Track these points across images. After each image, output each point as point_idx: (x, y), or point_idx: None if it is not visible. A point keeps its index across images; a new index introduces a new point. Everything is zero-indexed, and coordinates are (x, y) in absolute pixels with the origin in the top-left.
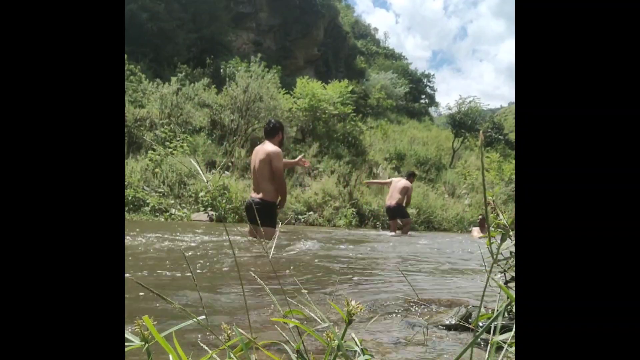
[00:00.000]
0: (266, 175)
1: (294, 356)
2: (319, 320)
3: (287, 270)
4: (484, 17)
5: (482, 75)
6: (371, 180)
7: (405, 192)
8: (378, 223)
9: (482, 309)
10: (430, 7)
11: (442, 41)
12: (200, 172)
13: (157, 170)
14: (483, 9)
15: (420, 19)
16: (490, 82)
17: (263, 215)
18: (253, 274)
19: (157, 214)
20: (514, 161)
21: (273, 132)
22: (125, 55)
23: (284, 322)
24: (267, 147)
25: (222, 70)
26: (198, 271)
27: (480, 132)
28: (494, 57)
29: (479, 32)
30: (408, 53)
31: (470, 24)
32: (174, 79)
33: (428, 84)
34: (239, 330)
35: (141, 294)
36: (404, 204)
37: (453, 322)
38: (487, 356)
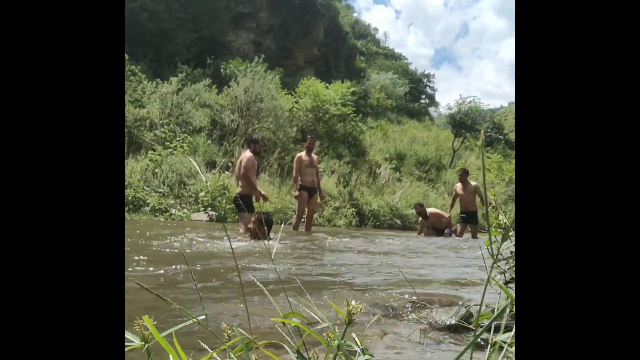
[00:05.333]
0: (241, 174)
1: (294, 356)
2: (319, 320)
3: (288, 272)
4: (486, 15)
5: (483, 73)
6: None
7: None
8: (378, 223)
9: (482, 309)
10: (432, 4)
11: (444, 39)
12: (200, 171)
13: (157, 170)
14: (485, 6)
15: (422, 16)
16: (491, 81)
17: (240, 204)
18: (252, 277)
19: (157, 214)
20: (514, 161)
21: (248, 142)
22: (127, 56)
23: (285, 322)
24: (245, 153)
25: (222, 71)
26: (198, 270)
27: (482, 131)
28: (495, 55)
29: (481, 30)
30: (409, 50)
31: (473, 21)
32: (174, 79)
33: (428, 83)
34: (239, 330)
35: (141, 294)
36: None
37: (453, 322)
38: (487, 356)
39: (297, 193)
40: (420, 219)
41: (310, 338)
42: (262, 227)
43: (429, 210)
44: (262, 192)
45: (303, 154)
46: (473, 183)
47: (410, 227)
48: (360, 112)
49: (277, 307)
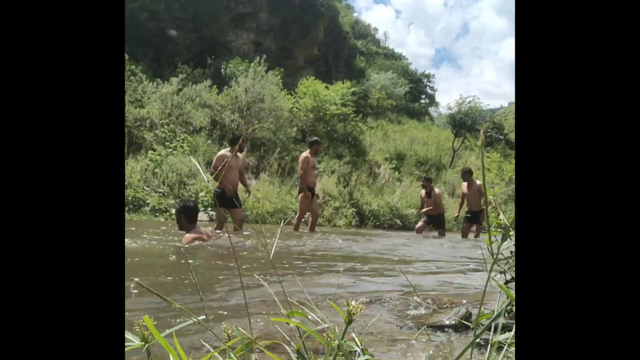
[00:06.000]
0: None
1: (294, 356)
2: (319, 320)
3: (287, 272)
4: (486, 14)
5: (483, 73)
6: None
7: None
8: (378, 223)
9: (482, 309)
10: (432, 3)
11: (444, 38)
12: (201, 171)
13: (157, 170)
14: (485, 5)
15: (422, 15)
16: (491, 80)
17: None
18: (257, 276)
19: (157, 214)
20: (514, 161)
21: (231, 142)
22: (127, 56)
23: (285, 322)
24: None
25: (222, 71)
26: (198, 269)
27: (482, 131)
28: (495, 54)
29: (481, 30)
30: (410, 50)
31: (473, 21)
32: (174, 79)
33: (428, 83)
34: (239, 330)
35: (141, 294)
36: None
37: (453, 322)
38: (487, 356)
39: (308, 194)
40: (422, 193)
41: (310, 339)
42: (180, 218)
43: (437, 190)
44: (229, 186)
45: (309, 155)
46: (478, 182)
47: (410, 227)
48: (360, 112)
49: (276, 309)
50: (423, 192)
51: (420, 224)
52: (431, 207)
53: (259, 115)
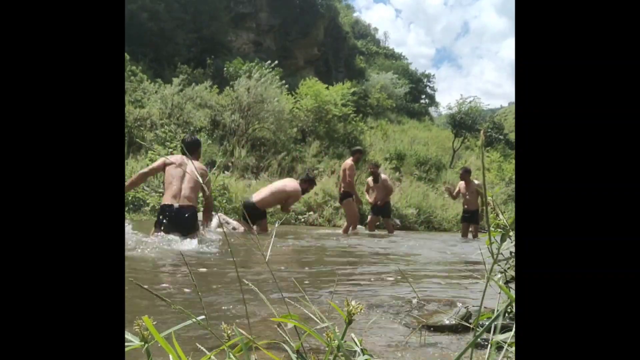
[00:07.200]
0: None
1: (293, 356)
2: (318, 320)
3: (286, 272)
4: (487, 14)
5: (483, 73)
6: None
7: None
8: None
9: (482, 309)
10: (432, 3)
11: (445, 38)
12: (196, 172)
13: None
14: (485, 5)
15: (422, 15)
16: (492, 80)
17: None
18: (248, 282)
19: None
20: (514, 161)
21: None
22: (128, 57)
23: (284, 322)
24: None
25: (225, 70)
26: (197, 270)
27: (482, 131)
28: (496, 54)
29: (482, 29)
30: (410, 50)
31: (473, 20)
32: (175, 80)
33: (428, 83)
34: (239, 330)
35: (141, 294)
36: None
37: (453, 322)
38: (487, 356)
39: (354, 201)
40: (369, 181)
41: (310, 339)
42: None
43: (383, 176)
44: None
45: (353, 163)
46: (476, 182)
47: (409, 227)
48: (360, 112)
49: (275, 309)
50: (370, 179)
51: (370, 217)
52: (376, 196)
53: (259, 116)
